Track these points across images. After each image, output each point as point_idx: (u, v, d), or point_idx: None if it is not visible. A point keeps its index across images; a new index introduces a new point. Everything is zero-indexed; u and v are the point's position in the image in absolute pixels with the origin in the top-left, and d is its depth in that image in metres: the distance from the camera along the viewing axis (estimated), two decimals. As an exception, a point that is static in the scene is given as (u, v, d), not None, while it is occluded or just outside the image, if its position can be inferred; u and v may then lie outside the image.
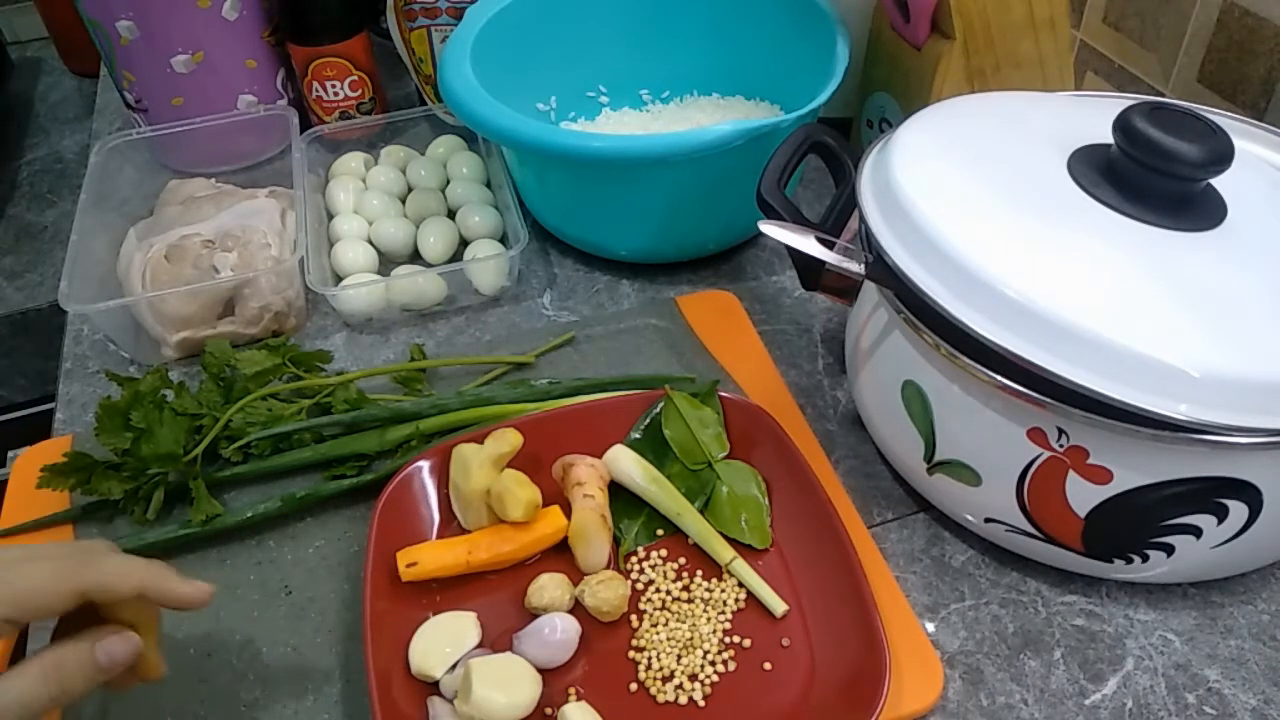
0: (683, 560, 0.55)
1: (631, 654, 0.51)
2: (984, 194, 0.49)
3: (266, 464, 0.60)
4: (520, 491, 0.53)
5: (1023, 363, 0.43)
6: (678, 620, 0.52)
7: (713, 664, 0.50)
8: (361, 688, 0.50)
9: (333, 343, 0.71)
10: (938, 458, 0.52)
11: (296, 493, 0.58)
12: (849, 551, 0.51)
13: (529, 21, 0.77)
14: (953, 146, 0.53)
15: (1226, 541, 0.47)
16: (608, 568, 0.54)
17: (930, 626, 0.53)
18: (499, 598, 0.53)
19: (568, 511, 0.54)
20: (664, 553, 0.55)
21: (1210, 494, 0.45)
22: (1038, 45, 0.66)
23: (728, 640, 0.51)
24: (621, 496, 0.57)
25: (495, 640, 0.51)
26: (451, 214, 0.77)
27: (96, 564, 0.40)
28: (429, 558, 0.53)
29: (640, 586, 0.54)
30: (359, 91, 0.86)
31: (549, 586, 0.52)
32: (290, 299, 0.70)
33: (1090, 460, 0.46)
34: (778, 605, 0.52)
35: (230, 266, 0.69)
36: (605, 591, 0.51)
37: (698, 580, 0.54)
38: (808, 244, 0.51)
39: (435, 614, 0.52)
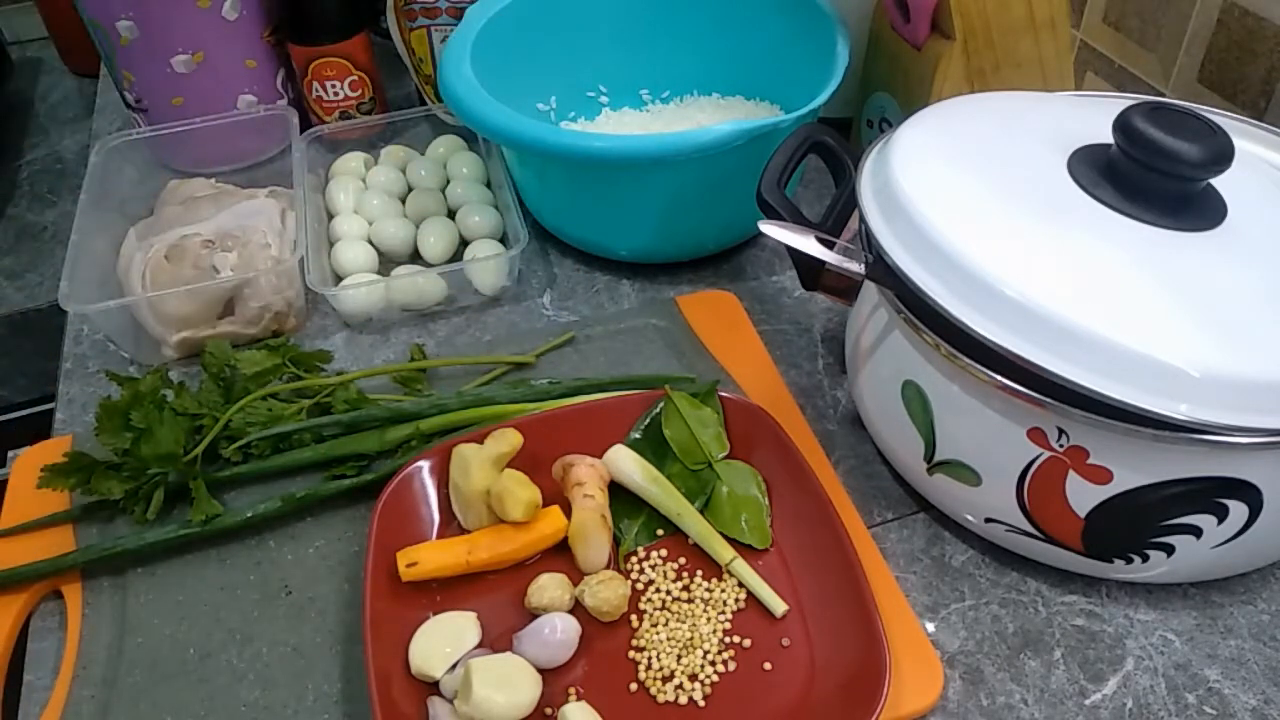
0: (683, 560, 0.55)
1: (631, 654, 0.51)
2: (984, 194, 0.49)
3: (266, 464, 0.60)
4: (520, 491, 0.53)
5: (1023, 363, 0.43)
6: (678, 620, 0.52)
7: (713, 664, 0.50)
8: (361, 688, 0.50)
9: (333, 343, 0.71)
10: (938, 458, 0.52)
11: (296, 493, 0.58)
12: (849, 551, 0.51)
13: (529, 21, 0.77)
14: (953, 146, 0.53)
15: (1227, 541, 0.47)
16: (608, 568, 0.54)
17: (930, 626, 0.53)
18: (499, 598, 0.53)
19: (568, 511, 0.54)
20: (664, 553, 0.55)
21: (1210, 494, 0.45)
22: (1038, 45, 0.66)
23: (728, 640, 0.51)
24: (621, 496, 0.57)
25: (495, 640, 0.51)
26: (451, 214, 0.77)
27: None
28: (429, 558, 0.53)
29: (640, 586, 0.54)
30: (359, 91, 0.86)
31: (549, 586, 0.52)
32: (290, 299, 0.70)
33: (1090, 460, 0.46)
34: (778, 605, 0.52)
35: (230, 266, 0.69)
36: (605, 591, 0.51)
37: (698, 580, 0.54)
38: (808, 244, 0.51)
39: (435, 614, 0.52)
